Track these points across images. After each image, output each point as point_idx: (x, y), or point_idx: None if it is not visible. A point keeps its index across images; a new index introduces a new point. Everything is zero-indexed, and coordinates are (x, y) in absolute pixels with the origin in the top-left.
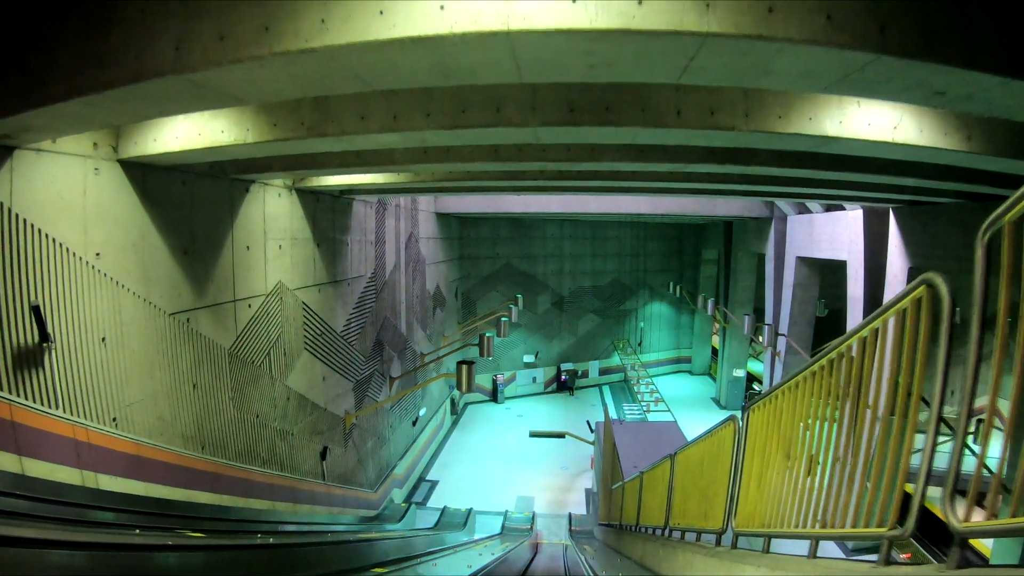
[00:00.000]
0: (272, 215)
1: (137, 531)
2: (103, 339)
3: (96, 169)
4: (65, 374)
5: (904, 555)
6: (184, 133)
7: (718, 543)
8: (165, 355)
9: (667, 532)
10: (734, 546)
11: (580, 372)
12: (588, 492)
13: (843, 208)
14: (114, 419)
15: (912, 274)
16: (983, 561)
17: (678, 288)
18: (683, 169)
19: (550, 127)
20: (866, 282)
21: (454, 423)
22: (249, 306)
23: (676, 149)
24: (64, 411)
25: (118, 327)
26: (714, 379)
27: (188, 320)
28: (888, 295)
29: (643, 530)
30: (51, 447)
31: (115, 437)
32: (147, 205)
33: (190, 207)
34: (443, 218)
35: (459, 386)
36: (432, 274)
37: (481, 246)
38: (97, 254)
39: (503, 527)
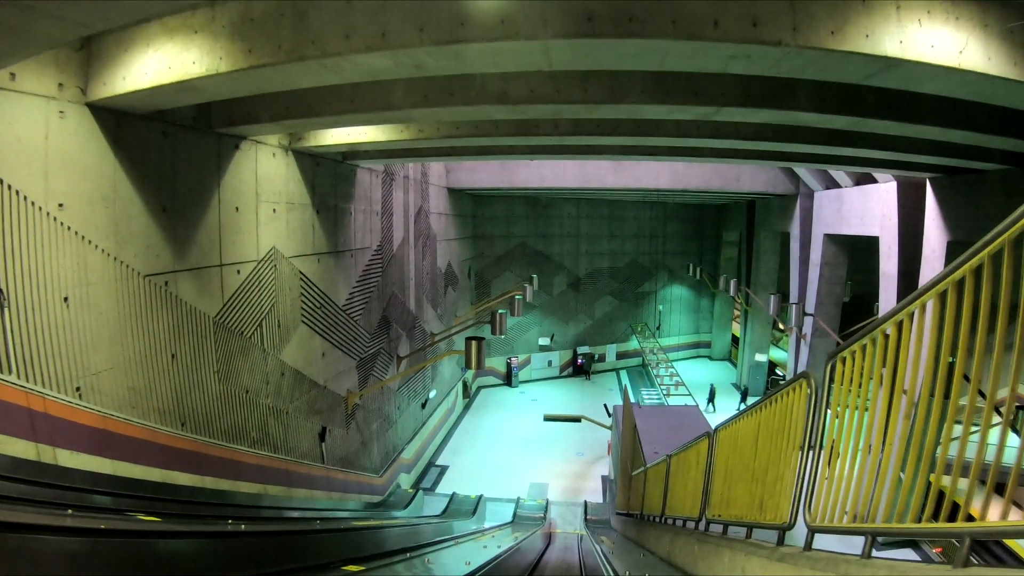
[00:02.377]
0: (265, 176)
1: (69, 511)
2: (65, 299)
3: (61, 112)
4: (20, 336)
5: (936, 548)
6: (154, 68)
7: (781, 541)
8: (139, 320)
9: (703, 525)
10: (808, 547)
11: (597, 356)
12: (605, 479)
13: (875, 181)
14: (77, 388)
15: (951, 248)
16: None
17: (698, 270)
18: (713, 116)
19: (564, 39)
20: (901, 258)
21: (466, 407)
22: (238, 272)
23: (707, 86)
24: (17, 377)
25: (83, 287)
26: (735, 365)
27: (166, 283)
28: (925, 271)
29: (670, 522)
30: (1, 416)
31: (78, 408)
32: (120, 156)
33: (171, 161)
34: (455, 194)
35: (468, 363)
36: (444, 251)
37: (495, 225)
38: (60, 205)
39: (515, 515)
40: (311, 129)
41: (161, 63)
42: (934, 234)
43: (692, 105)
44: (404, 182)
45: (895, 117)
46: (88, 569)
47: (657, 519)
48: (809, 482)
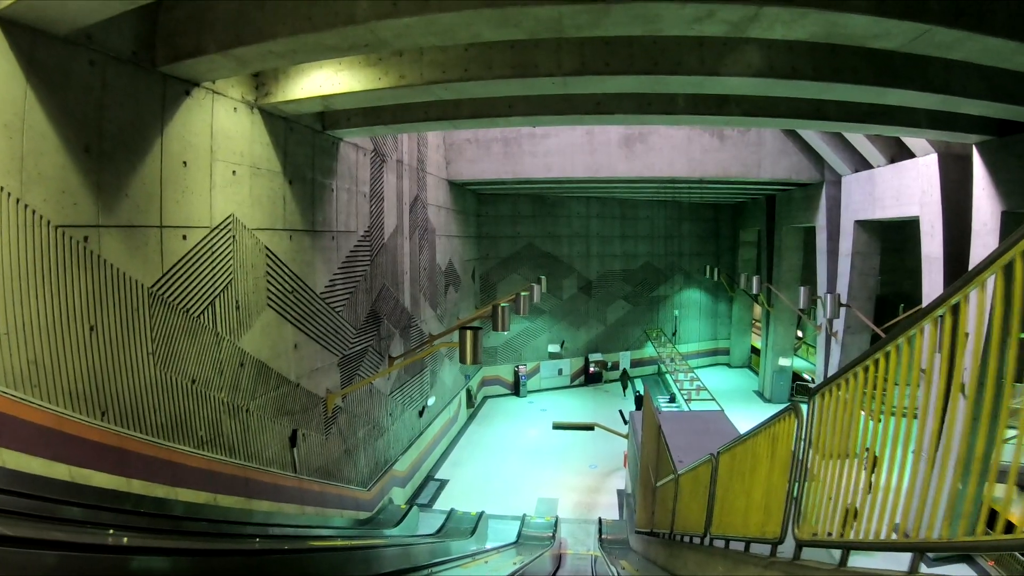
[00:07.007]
0: (223, 131)
1: None
2: None
3: None
4: None
5: (990, 562)
6: None
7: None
8: (47, 280)
9: (792, 551)
10: None
11: (610, 364)
12: (621, 494)
13: (912, 156)
14: None
15: (1006, 219)
16: None
17: (716, 272)
18: (749, 26)
19: None
20: (945, 237)
21: (470, 417)
22: (184, 238)
23: None
24: None
25: None
26: (755, 372)
27: (86, 239)
28: (976, 248)
29: (721, 544)
30: None
31: None
32: (34, 81)
33: (99, 95)
34: (457, 188)
35: (462, 357)
36: (444, 248)
37: (501, 224)
38: None
39: (520, 534)
40: (267, 61)
41: None
42: (985, 204)
43: (723, 2)
44: (397, 166)
45: (964, 25)
46: None
47: (697, 540)
48: None
